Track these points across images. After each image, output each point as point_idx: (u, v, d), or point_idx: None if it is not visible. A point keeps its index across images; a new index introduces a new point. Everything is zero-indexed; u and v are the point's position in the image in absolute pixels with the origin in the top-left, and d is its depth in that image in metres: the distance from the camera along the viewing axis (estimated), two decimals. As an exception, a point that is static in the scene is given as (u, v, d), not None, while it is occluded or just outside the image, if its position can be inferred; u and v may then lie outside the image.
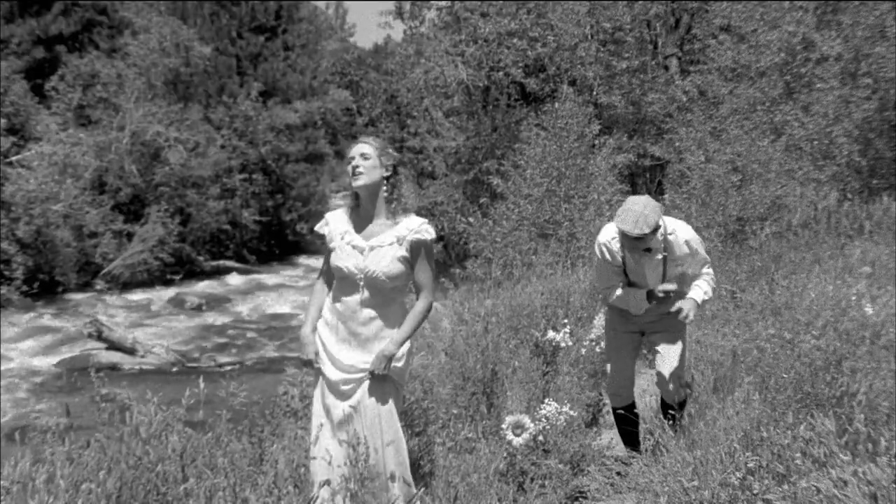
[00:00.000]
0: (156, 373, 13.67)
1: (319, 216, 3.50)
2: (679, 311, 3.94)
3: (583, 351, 5.45)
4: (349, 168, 3.28)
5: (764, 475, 3.02)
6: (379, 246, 3.25)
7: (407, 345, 3.29)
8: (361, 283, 3.25)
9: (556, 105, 14.36)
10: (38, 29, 24.29)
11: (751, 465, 3.06)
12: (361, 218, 3.34)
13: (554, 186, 13.35)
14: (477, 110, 20.08)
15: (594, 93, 17.18)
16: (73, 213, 20.99)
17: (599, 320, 5.32)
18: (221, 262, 25.90)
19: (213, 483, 3.07)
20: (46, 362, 14.41)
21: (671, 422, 4.01)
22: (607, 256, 4.09)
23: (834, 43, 13.07)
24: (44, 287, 20.27)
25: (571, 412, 4.12)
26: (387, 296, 3.28)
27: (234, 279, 24.00)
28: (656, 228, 3.84)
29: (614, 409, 4.37)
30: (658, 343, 4.18)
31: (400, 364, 3.26)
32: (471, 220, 14.75)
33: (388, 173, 3.30)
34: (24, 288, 19.47)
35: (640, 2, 17.47)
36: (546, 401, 4.16)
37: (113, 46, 24.94)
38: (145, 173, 23.43)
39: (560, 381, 5.04)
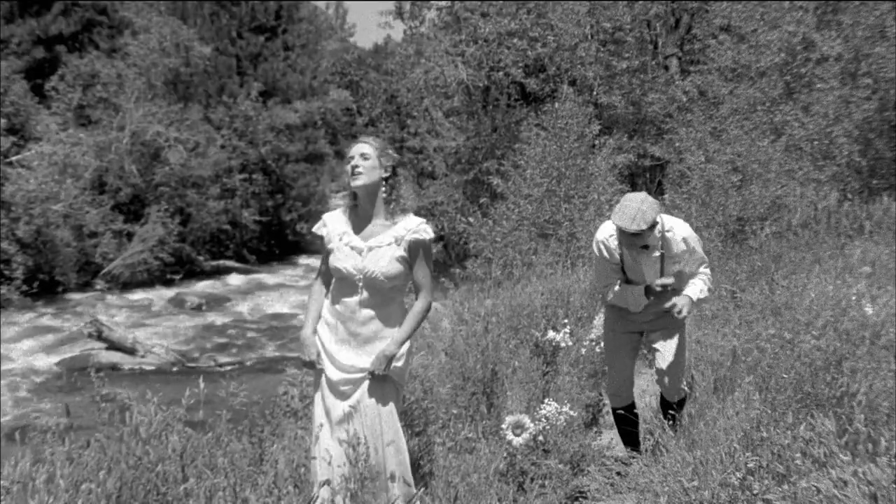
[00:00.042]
0: (156, 373, 13.67)
1: (319, 216, 3.49)
2: (673, 306, 3.94)
3: (583, 351, 5.45)
4: (348, 168, 3.28)
5: (764, 475, 3.02)
6: (377, 246, 3.25)
7: (407, 345, 3.29)
8: (360, 284, 3.25)
9: (556, 105, 14.36)
10: (38, 29, 24.30)
11: (751, 465, 3.06)
12: (360, 218, 3.34)
13: (554, 186, 13.35)
14: (477, 110, 20.08)
15: (594, 93, 17.18)
16: (73, 213, 20.99)
17: (599, 320, 5.31)
18: (221, 262, 25.91)
19: (213, 483, 3.07)
20: (46, 362, 14.41)
21: (671, 422, 4.01)
22: (605, 254, 4.10)
23: (834, 43, 13.07)
24: (44, 287, 20.27)
25: (571, 412, 4.13)
26: (386, 296, 3.28)
27: (234, 279, 24.01)
28: (654, 225, 3.85)
29: (614, 410, 4.37)
30: (656, 341, 4.19)
31: (400, 364, 3.26)
32: (471, 220, 14.76)
33: (387, 174, 3.30)
34: (24, 288, 19.48)
35: (640, 2, 17.47)
36: (546, 401, 4.16)
37: (113, 46, 24.95)
38: (145, 173, 23.44)
39: (560, 381, 5.04)
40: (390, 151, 3.35)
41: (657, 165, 16.82)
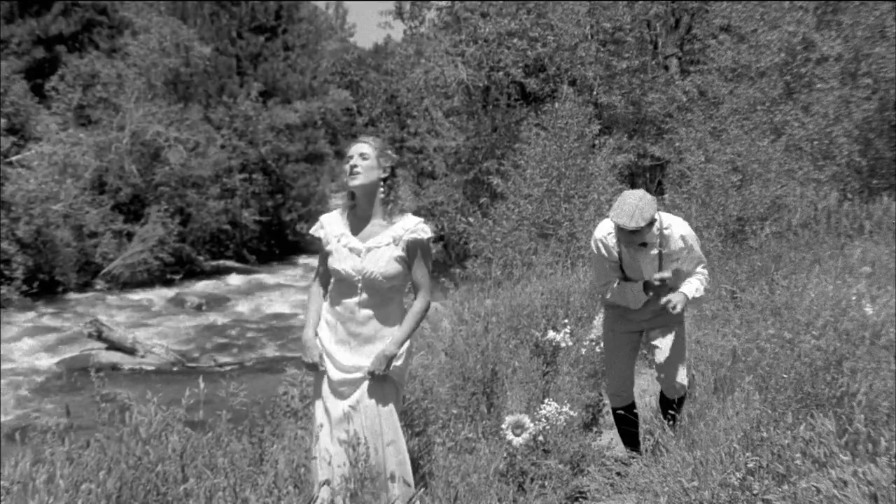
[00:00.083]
0: (156, 373, 13.67)
1: (319, 216, 3.49)
2: (668, 301, 3.95)
3: (583, 351, 5.45)
4: (347, 167, 3.28)
5: (764, 475, 3.02)
6: (376, 247, 3.25)
7: (406, 344, 3.29)
8: (359, 285, 3.25)
9: (556, 105, 14.36)
10: (38, 29, 24.30)
11: (751, 465, 3.06)
12: (358, 219, 3.34)
13: (554, 186, 13.35)
14: (477, 110, 20.08)
15: (594, 93, 17.18)
16: (73, 213, 20.99)
17: (599, 320, 5.31)
18: (221, 262, 25.91)
19: (213, 483, 3.07)
20: (46, 362, 14.41)
21: (671, 422, 4.01)
22: (603, 252, 4.10)
23: (834, 43, 13.07)
24: (44, 287, 20.27)
25: (571, 412, 4.13)
26: (385, 296, 3.28)
27: (234, 279, 24.01)
28: (652, 222, 3.86)
29: (614, 410, 4.38)
30: (655, 338, 4.19)
31: (399, 364, 3.26)
32: (471, 220, 14.76)
33: (386, 175, 3.30)
34: (24, 288, 19.48)
35: (640, 2, 17.47)
36: (546, 401, 4.16)
37: (113, 46, 24.95)
38: (145, 173, 23.44)
39: (560, 381, 5.04)
40: (389, 152, 3.35)
41: (657, 165, 16.83)
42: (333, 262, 3.30)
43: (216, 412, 3.61)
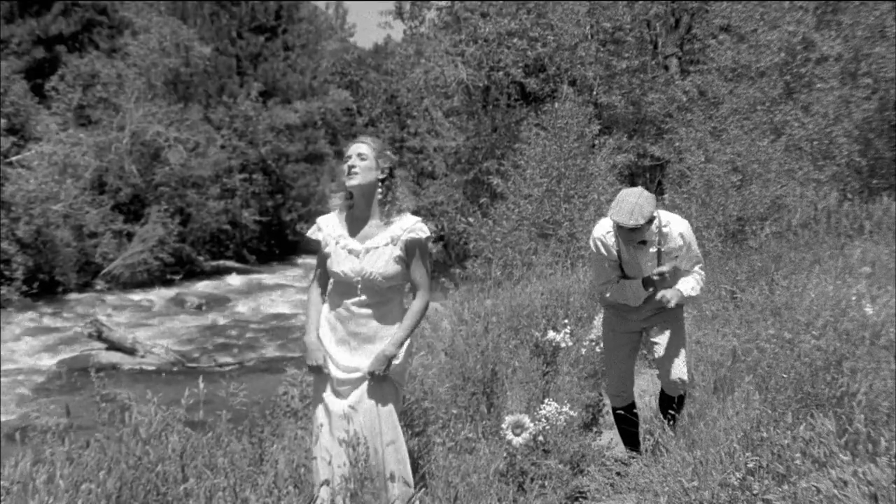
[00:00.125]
0: (156, 373, 13.67)
1: (319, 216, 3.49)
2: (662, 296, 3.95)
3: (583, 351, 5.45)
4: (345, 167, 3.28)
5: (764, 475, 3.02)
6: (374, 247, 3.25)
7: (406, 344, 3.29)
8: (359, 286, 3.25)
9: (556, 105, 14.37)
10: (38, 29, 24.30)
11: (751, 465, 3.06)
12: (356, 219, 3.34)
13: (554, 186, 13.36)
14: (477, 110, 20.09)
15: (594, 93, 17.19)
16: (73, 213, 21.00)
17: (599, 320, 5.31)
18: (221, 262, 25.92)
19: (213, 483, 3.07)
20: (46, 362, 14.40)
21: (671, 422, 4.01)
22: (602, 251, 4.11)
23: (834, 43, 13.07)
24: (44, 287, 20.27)
25: (571, 412, 4.12)
26: (384, 296, 3.28)
27: (234, 279, 24.01)
28: (651, 219, 3.86)
29: (614, 410, 4.38)
30: (655, 335, 4.20)
31: (399, 363, 3.26)
32: (471, 220, 14.76)
33: (384, 176, 3.30)
34: (24, 288, 19.48)
35: (640, 2, 17.47)
36: (546, 401, 4.15)
37: (113, 46, 24.96)
38: (145, 173, 23.44)
39: (560, 381, 5.04)
40: (388, 153, 3.34)
41: (657, 165, 16.82)
42: (332, 265, 3.29)
43: (216, 412, 3.61)
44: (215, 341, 16.66)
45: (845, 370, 3.66)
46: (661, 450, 3.77)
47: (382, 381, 3.23)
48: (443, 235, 19.96)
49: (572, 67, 17.14)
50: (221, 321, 18.56)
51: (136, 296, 21.00)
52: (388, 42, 42.68)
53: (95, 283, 21.68)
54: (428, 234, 3.32)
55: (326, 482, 3.08)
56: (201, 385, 3.59)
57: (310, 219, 27.00)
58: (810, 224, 9.62)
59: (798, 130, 12.90)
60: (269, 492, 2.99)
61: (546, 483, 3.83)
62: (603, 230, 4.11)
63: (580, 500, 4.01)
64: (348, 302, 3.27)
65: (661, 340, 4.17)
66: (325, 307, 3.37)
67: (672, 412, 4.09)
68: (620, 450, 4.41)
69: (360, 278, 3.24)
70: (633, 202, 3.81)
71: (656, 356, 4.19)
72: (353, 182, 3.26)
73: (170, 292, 21.35)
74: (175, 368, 14.13)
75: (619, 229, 3.91)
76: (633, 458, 4.10)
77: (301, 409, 4.54)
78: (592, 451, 4.39)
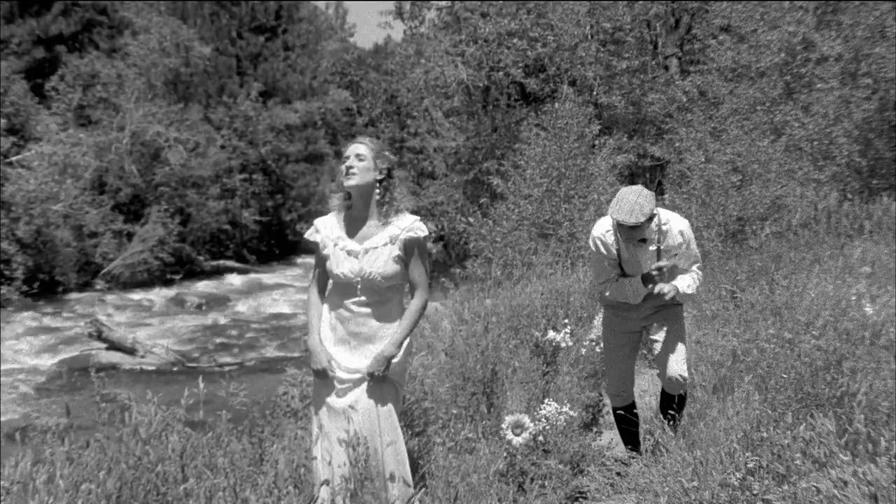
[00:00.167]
0: (156, 373, 13.67)
1: (319, 216, 3.49)
2: (661, 289, 3.96)
3: (583, 351, 5.45)
4: (343, 167, 3.29)
5: (764, 475, 3.02)
6: (373, 248, 3.26)
7: (405, 343, 3.29)
8: (358, 286, 3.25)
9: (556, 105, 14.36)
10: (38, 29, 24.31)
11: (751, 465, 3.06)
12: (354, 219, 3.34)
13: (554, 186, 13.35)
14: (477, 110, 20.08)
15: (594, 93, 17.18)
16: (73, 213, 21.01)
17: (599, 320, 5.31)
18: (221, 262, 25.92)
19: (213, 483, 3.07)
20: (46, 362, 14.40)
21: (671, 422, 4.01)
22: (602, 250, 4.11)
23: (834, 43, 13.07)
24: (44, 287, 20.28)
25: (571, 412, 4.12)
26: (384, 295, 3.28)
27: (234, 279, 24.01)
28: (651, 217, 3.86)
29: (614, 409, 4.38)
30: (654, 333, 4.20)
31: (398, 362, 3.26)
32: (471, 220, 14.76)
33: (382, 176, 3.30)
34: (24, 288, 19.49)
35: (640, 2, 17.46)
36: (546, 401, 4.15)
37: (113, 46, 24.97)
38: (145, 173, 23.45)
39: (560, 381, 5.04)
40: (387, 153, 3.34)
41: (657, 165, 16.82)
42: (331, 266, 3.29)
43: (216, 412, 3.61)
44: (215, 341, 16.66)
45: (845, 370, 3.66)
46: (661, 450, 3.77)
47: (382, 382, 3.23)
48: (443, 235, 19.96)
49: (572, 68, 17.14)
50: (221, 321, 18.57)
51: (136, 296, 21.01)
52: (388, 42, 42.70)
53: (95, 283, 21.69)
54: (426, 232, 3.32)
55: (326, 482, 3.09)
56: (201, 385, 3.59)
57: (310, 219, 27.02)
58: (810, 224, 9.63)
59: (798, 131, 12.90)
60: (269, 492, 2.99)
61: (546, 483, 3.83)
62: (602, 229, 4.11)
63: (580, 500, 4.01)
64: (348, 302, 3.27)
65: (661, 338, 4.17)
66: (325, 308, 3.37)
67: (672, 412, 4.09)
68: (620, 450, 4.41)
69: (359, 279, 3.24)
70: (633, 200, 3.82)
71: (656, 354, 4.19)
72: (351, 182, 3.26)
73: (170, 292, 21.36)
74: (175, 368, 14.13)
75: (620, 227, 3.91)
76: (633, 458, 4.09)
77: (301, 409, 4.54)
78: (592, 451, 4.39)
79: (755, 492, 2.94)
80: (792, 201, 10.94)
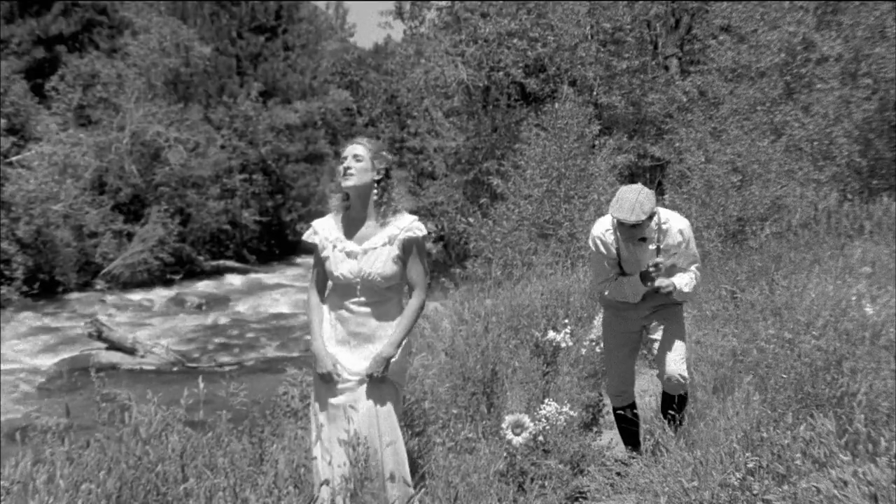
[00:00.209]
0: (156, 373, 13.67)
1: (319, 216, 3.49)
2: (659, 284, 3.96)
3: (583, 351, 5.45)
4: (340, 168, 3.29)
5: (764, 475, 3.02)
6: (372, 248, 3.26)
7: (404, 343, 3.29)
8: (358, 287, 3.25)
9: (556, 105, 14.37)
10: (38, 29, 24.31)
11: (751, 465, 3.06)
12: (352, 220, 3.34)
13: (554, 187, 13.36)
14: (477, 110, 20.08)
15: (594, 93, 17.18)
16: (73, 213, 21.00)
17: (599, 320, 5.31)
18: (221, 262, 25.92)
19: (213, 483, 3.07)
20: (46, 362, 14.40)
21: (671, 422, 4.01)
22: (601, 249, 4.11)
23: (834, 43, 13.07)
24: (44, 287, 20.28)
25: (571, 412, 4.12)
26: (383, 295, 3.29)
27: (234, 279, 24.01)
28: (651, 215, 3.86)
29: (615, 409, 4.38)
30: (654, 332, 4.20)
31: (397, 361, 3.26)
32: (471, 220, 14.77)
33: (379, 177, 3.30)
34: (24, 288, 19.49)
35: (640, 2, 17.47)
36: (546, 401, 4.15)
37: (113, 46, 24.96)
38: (145, 173, 23.45)
39: (560, 381, 5.04)
40: (385, 154, 3.34)
41: (657, 166, 16.82)
42: (331, 268, 3.29)
43: (216, 412, 3.61)
44: (215, 341, 16.66)
45: (845, 370, 3.66)
46: (661, 450, 3.77)
47: (381, 382, 3.23)
48: (443, 235, 19.98)
49: (572, 68, 17.14)
50: (221, 321, 18.56)
51: (136, 296, 21.00)
52: (388, 42, 42.70)
53: (95, 283, 21.68)
54: (425, 232, 3.32)
55: (326, 482, 3.09)
56: (201, 385, 3.59)
57: (310, 219, 27.06)
58: (810, 224, 9.63)
59: (798, 131, 12.90)
60: (269, 492, 2.99)
61: (546, 483, 3.83)
62: (602, 228, 4.11)
63: (580, 500, 4.01)
64: (348, 302, 3.27)
65: (660, 338, 4.17)
66: (325, 308, 3.37)
67: (673, 412, 4.09)
68: (620, 450, 4.41)
69: (359, 280, 3.24)
70: (633, 198, 3.82)
71: (656, 354, 4.19)
72: (349, 183, 3.26)
73: (170, 292, 21.36)
74: (175, 368, 14.13)
75: (620, 226, 3.92)
76: (634, 458, 4.10)
77: (301, 409, 4.54)
78: (592, 451, 4.39)
79: (755, 492, 2.94)
80: (792, 201, 10.94)
